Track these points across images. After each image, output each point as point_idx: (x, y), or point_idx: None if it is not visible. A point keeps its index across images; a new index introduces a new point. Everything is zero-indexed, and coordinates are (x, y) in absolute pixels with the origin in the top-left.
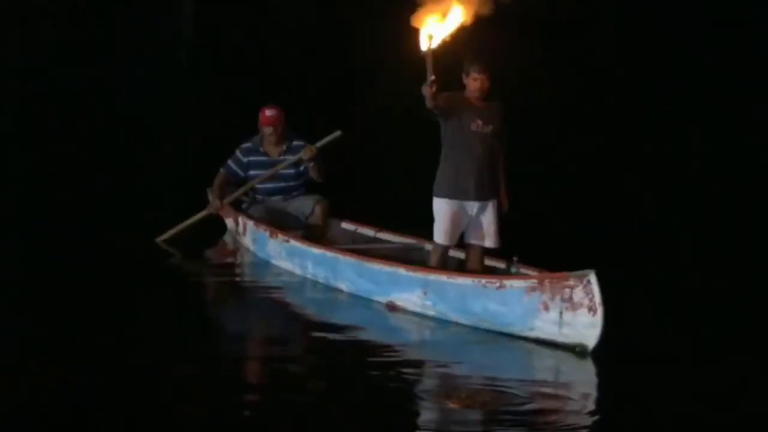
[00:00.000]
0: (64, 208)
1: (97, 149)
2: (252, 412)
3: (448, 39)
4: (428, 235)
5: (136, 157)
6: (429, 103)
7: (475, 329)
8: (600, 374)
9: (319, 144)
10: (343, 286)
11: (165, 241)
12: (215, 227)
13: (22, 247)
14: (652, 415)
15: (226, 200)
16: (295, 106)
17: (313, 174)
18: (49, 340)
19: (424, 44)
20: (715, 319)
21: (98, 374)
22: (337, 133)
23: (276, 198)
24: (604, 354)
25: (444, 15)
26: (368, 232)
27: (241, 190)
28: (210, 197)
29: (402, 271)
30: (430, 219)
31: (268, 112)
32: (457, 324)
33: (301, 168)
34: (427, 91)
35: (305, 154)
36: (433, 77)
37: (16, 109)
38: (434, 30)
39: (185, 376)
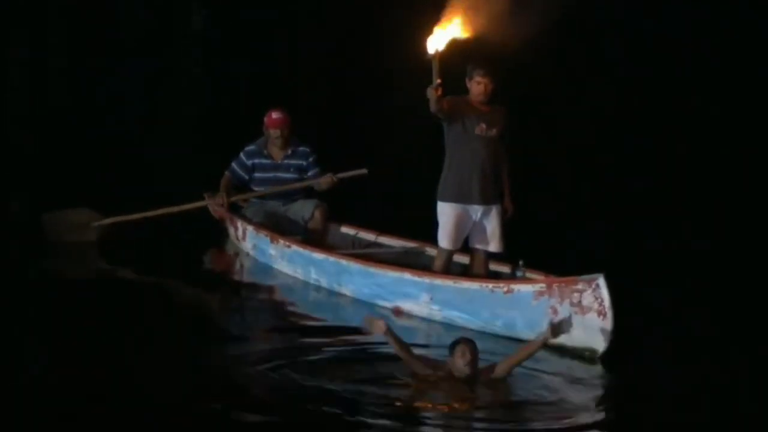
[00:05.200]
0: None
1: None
2: (255, 418)
3: (455, 42)
4: (429, 240)
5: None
6: (433, 107)
7: (482, 334)
8: (610, 379)
9: (341, 175)
10: (347, 291)
11: (130, 221)
12: (213, 232)
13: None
14: (662, 420)
15: (230, 199)
16: (297, 110)
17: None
18: (46, 341)
19: (432, 47)
20: (725, 322)
21: (93, 379)
22: (363, 171)
23: (275, 202)
24: (613, 359)
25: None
26: (368, 236)
27: (244, 196)
28: (205, 197)
29: (407, 275)
30: (430, 223)
31: (275, 115)
32: (464, 329)
33: (304, 174)
34: (431, 93)
35: (325, 182)
36: (438, 80)
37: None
38: (443, 33)
39: (185, 384)
